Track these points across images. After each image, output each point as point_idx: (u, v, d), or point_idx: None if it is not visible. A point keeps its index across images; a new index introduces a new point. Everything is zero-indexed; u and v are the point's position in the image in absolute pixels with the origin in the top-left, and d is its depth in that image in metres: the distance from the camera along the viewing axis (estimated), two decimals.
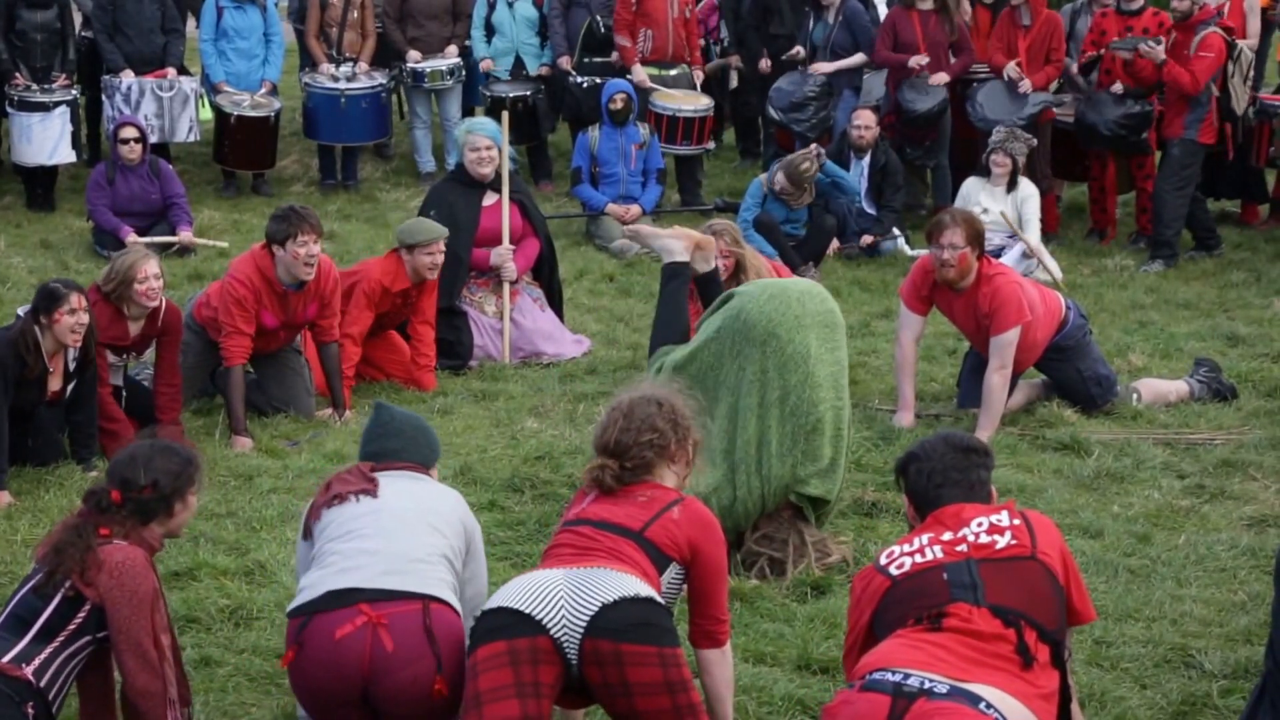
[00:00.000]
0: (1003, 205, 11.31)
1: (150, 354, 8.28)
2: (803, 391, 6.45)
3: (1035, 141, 11.73)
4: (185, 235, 11.65)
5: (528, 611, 4.52)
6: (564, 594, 4.54)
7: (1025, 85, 12.20)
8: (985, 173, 11.47)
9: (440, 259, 8.86)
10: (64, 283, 7.50)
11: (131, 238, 11.25)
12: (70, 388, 7.58)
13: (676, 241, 7.50)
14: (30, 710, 4.63)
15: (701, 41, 14.05)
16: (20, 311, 7.92)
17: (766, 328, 6.47)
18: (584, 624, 4.49)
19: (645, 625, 4.51)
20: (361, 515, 4.91)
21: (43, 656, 4.70)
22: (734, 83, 14.17)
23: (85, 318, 7.39)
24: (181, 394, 8.18)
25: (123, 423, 7.88)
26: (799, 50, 13.11)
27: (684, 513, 4.86)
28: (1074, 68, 12.45)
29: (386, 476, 5.07)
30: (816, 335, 6.52)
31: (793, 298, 6.57)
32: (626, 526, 4.79)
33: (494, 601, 4.63)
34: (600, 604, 4.51)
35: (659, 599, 4.64)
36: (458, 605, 4.85)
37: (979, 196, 11.32)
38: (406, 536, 4.84)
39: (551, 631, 4.50)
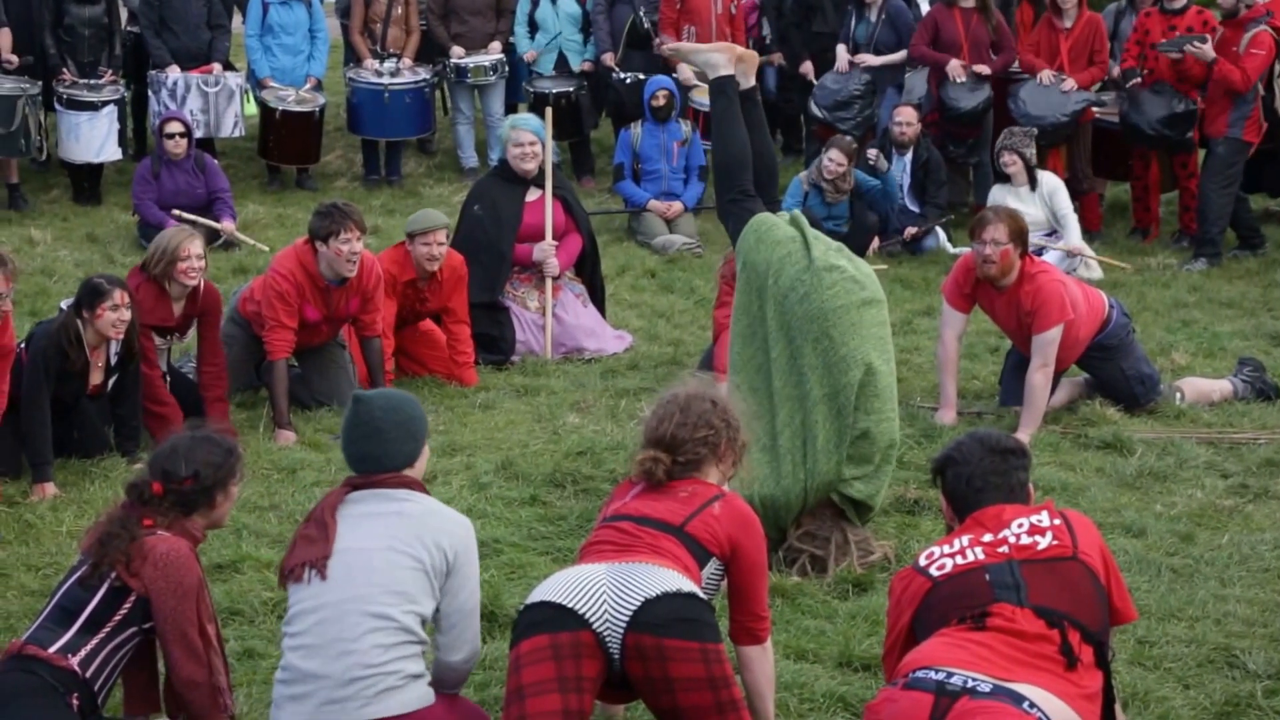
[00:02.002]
0: (1033, 205, 11.25)
1: (192, 343, 8.33)
2: (850, 394, 6.42)
3: (1036, 132, 11.64)
4: (229, 226, 11.71)
5: (570, 605, 4.52)
6: (606, 588, 4.54)
7: (1069, 84, 12.15)
8: (1006, 178, 11.45)
9: (438, 251, 8.81)
10: (108, 278, 7.53)
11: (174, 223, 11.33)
12: (111, 382, 7.64)
13: (719, 55, 7.42)
14: (75, 701, 4.65)
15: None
16: (63, 305, 7.97)
17: (822, 325, 6.44)
18: (626, 618, 4.49)
19: (688, 620, 4.51)
20: (306, 612, 4.65)
21: (89, 647, 4.72)
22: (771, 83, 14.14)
23: (128, 314, 7.43)
24: (226, 371, 8.22)
25: (171, 406, 7.94)
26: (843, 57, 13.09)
27: (725, 508, 4.86)
28: (1116, 70, 12.38)
29: (351, 516, 4.72)
30: (874, 348, 6.49)
31: (854, 305, 6.49)
32: (667, 521, 4.79)
33: (536, 595, 4.64)
34: (643, 599, 4.50)
35: (701, 594, 4.64)
36: (414, 690, 4.62)
37: (1007, 202, 11.26)
38: (345, 643, 4.56)
39: (594, 626, 4.50)
